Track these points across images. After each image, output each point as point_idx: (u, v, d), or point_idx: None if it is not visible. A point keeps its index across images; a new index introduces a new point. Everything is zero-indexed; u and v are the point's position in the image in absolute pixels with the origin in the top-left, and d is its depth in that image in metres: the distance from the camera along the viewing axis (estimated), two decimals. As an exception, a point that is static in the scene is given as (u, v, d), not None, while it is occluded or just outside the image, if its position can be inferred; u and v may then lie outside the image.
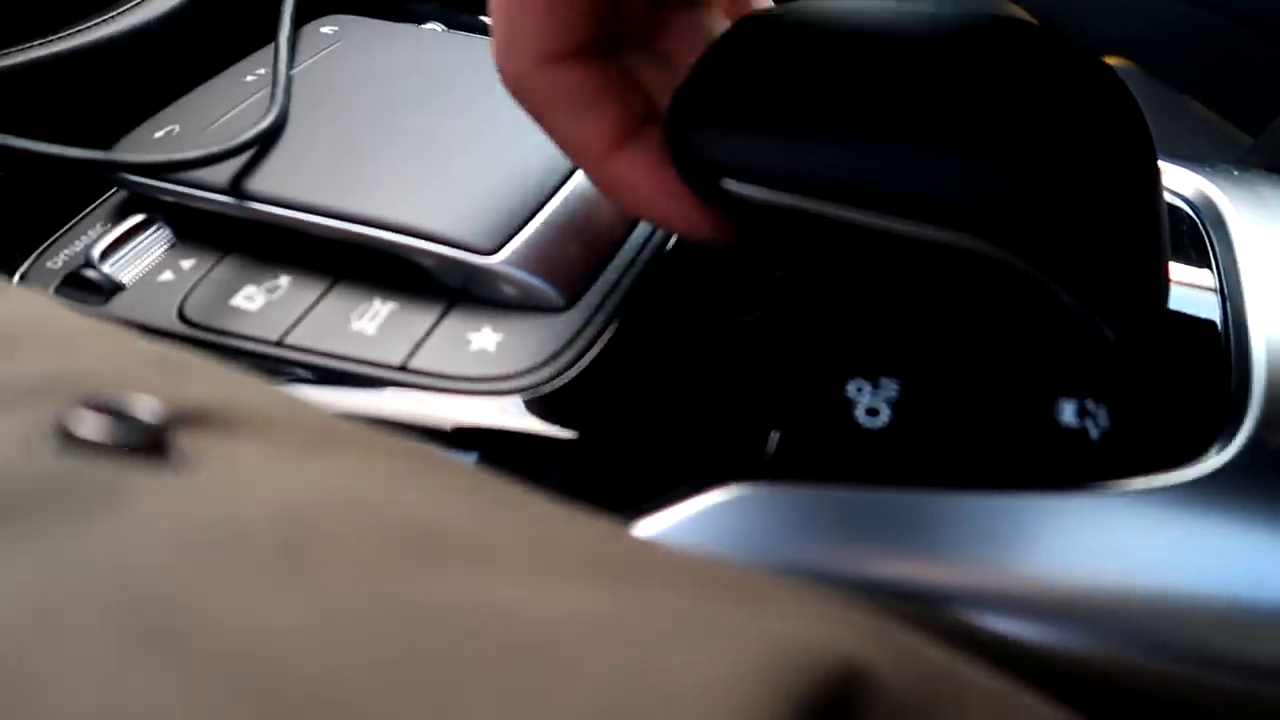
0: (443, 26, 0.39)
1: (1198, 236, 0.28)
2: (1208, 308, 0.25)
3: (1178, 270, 0.26)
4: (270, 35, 0.33)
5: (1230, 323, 0.24)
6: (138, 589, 0.10)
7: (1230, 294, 0.25)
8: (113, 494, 0.11)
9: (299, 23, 0.35)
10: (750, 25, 0.24)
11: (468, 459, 0.23)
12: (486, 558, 0.12)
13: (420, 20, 0.40)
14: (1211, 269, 0.27)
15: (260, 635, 0.10)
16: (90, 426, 0.12)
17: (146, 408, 0.13)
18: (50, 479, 0.11)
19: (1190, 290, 0.25)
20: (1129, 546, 0.20)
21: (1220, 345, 0.24)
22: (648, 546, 0.15)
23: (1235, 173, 0.30)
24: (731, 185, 0.22)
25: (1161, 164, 0.31)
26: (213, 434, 0.14)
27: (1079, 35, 0.91)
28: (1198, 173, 0.30)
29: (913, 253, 0.21)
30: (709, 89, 0.23)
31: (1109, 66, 0.23)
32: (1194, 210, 0.29)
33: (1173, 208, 0.29)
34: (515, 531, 0.14)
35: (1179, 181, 0.30)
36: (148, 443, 0.12)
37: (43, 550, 0.10)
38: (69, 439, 0.12)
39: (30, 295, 0.19)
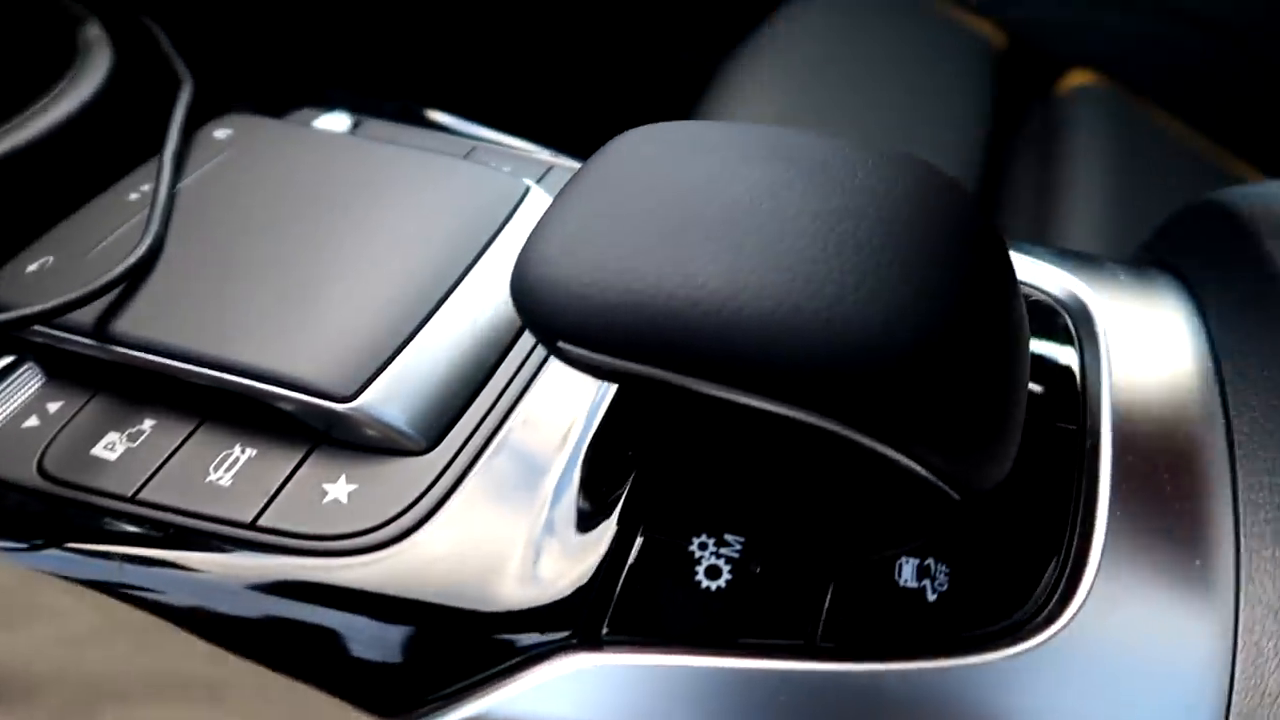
0: (351, 117, 0.39)
1: (1068, 341, 0.28)
2: (1060, 453, 0.25)
3: (1038, 399, 0.26)
4: (161, 142, 0.33)
5: (1083, 469, 0.24)
6: None
7: (1090, 430, 0.25)
8: None
9: (197, 120, 0.35)
10: (615, 156, 0.25)
11: (316, 636, 0.23)
12: None
13: (330, 105, 0.40)
14: (1075, 391, 0.26)
15: None
16: None
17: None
18: None
19: (1047, 430, 0.25)
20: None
21: (1066, 501, 0.23)
22: None
23: (1120, 275, 0.30)
24: (567, 348, 0.22)
25: (1050, 267, 0.31)
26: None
27: (1053, 50, 0.91)
28: (1078, 274, 0.30)
29: (757, 420, 0.21)
30: (552, 240, 0.23)
31: (981, 220, 0.23)
32: (1069, 315, 0.29)
33: (1049, 310, 0.29)
34: None
35: (1059, 283, 0.30)
36: None
37: None
38: None
39: None
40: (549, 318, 0.22)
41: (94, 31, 0.38)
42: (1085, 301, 0.28)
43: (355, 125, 0.39)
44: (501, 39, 0.89)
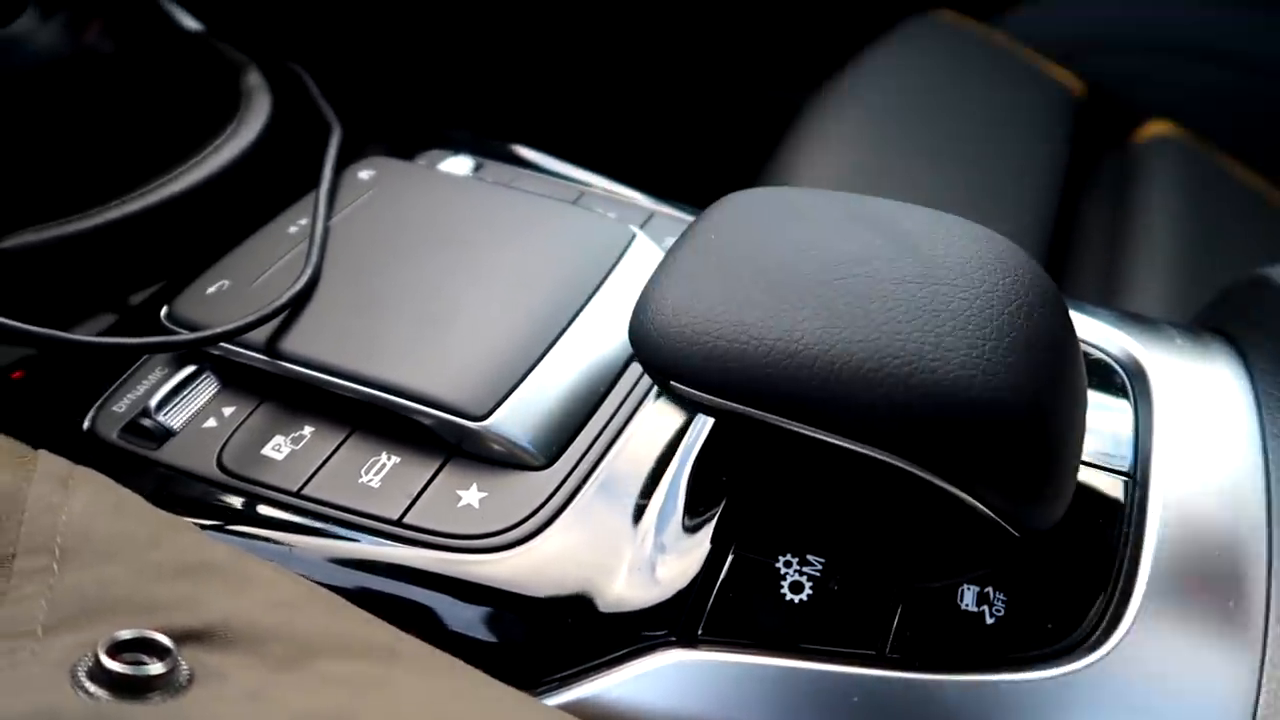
0: (473, 160, 0.43)
1: (1124, 397, 0.31)
2: (1112, 497, 0.27)
3: (1094, 443, 0.29)
4: (313, 178, 0.38)
5: (1131, 513, 0.27)
6: None
7: (1140, 479, 0.28)
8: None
9: (340, 163, 0.39)
10: (723, 218, 0.28)
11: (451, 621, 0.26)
12: None
13: (454, 147, 0.45)
14: (1129, 443, 0.29)
15: None
16: (118, 666, 0.16)
17: (161, 640, 0.17)
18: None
19: (1101, 475, 0.28)
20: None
21: (1116, 541, 0.26)
22: None
23: (1176, 338, 0.33)
24: (679, 388, 0.25)
25: (1110, 328, 0.33)
26: (216, 650, 0.18)
27: (1129, 101, 0.93)
28: (1136, 336, 0.33)
29: (842, 457, 0.25)
30: (667, 292, 0.26)
31: (1049, 289, 0.26)
32: (1125, 372, 0.32)
33: (1108, 369, 0.32)
34: None
35: (1118, 343, 0.33)
36: (158, 677, 0.16)
37: None
38: (98, 674, 0.16)
39: (94, 491, 0.23)
40: (664, 362, 0.26)
41: (254, 78, 0.43)
42: (1141, 361, 0.31)
43: (477, 167, 0.43)
44: (591, 78, 0.94)
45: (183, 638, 0.17)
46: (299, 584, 0.22)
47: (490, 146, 0.46)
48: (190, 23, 0.53)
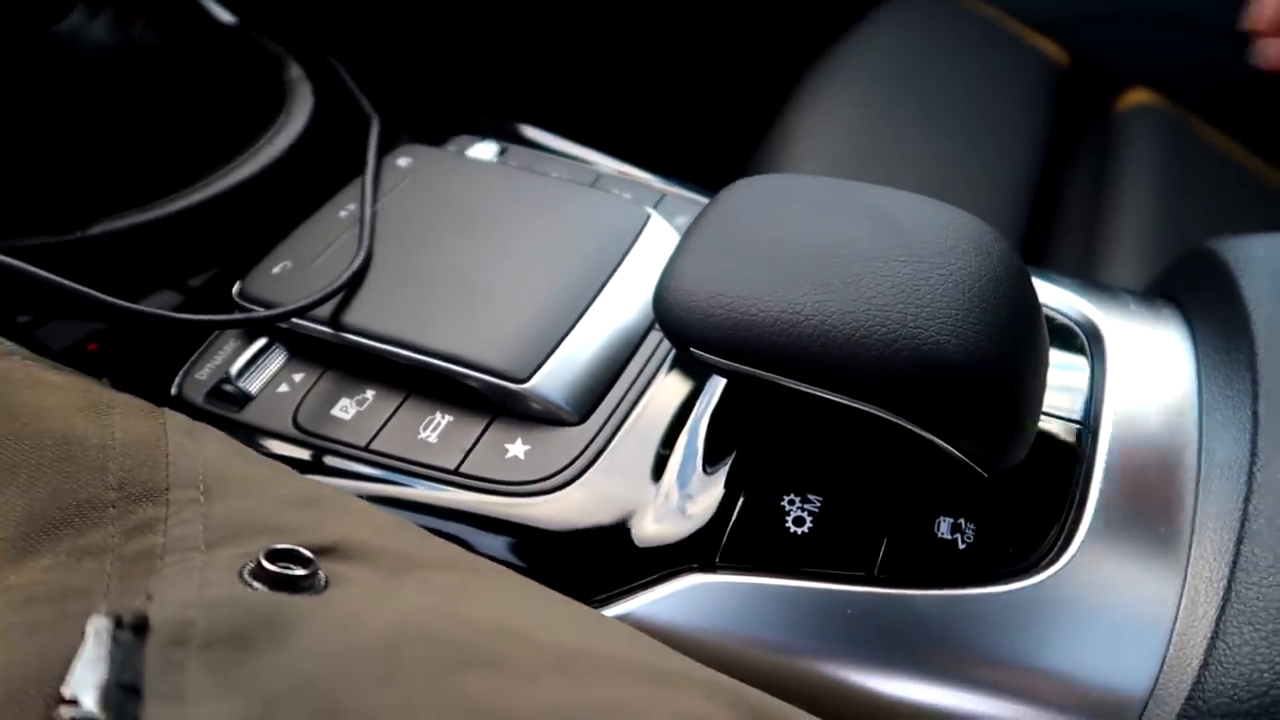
0: (497, 144, 0.47)
1: (1082, 355, 0.35)
2: (1068, 442, 0.32)
3: (1053, 397, 0.33)
4: (352, 165, 0.42)
5: (1083, 456, 0.31)
6: (316, 690, 0.18)
7: (1091, 427, 0.32)
8: (291, 619, 0.19)
9: (379, 153, 0.43)
10: (732, 203, 0.32)
11: (504, 554, 0.31)
12: (532, 660, 0.20)
13: (479, 132, 0.49)
14: (1084, 395, 0.34)
15: (380, 714, 0.18)
16: (275, 567, 0.21)
17: (304, 552, 0.21)
18: (257, 608, 0.20)
19: (1059, 423, 0.33)
20: (976, 635, 0.28)
21: (1068, 480, 0.31)
22: (640, 643, 0.24)
23: (1130, 303, 0.37)
24: (697, 353, 0.30)
25: (1072, 294, 0.38)
26: (341, 562, 0.22)
27: (1111, 70, 0.96)
28: (1094, 302, 0.37)
29: (837, 411, 0.29)
30: (685, 269, 0.31)
31: (1015, 265, 0.30)
32: (1084, 334, 0.36)
33: (1069, 330, 0.36)
34: (559, 637, 0.22)
35: (1078, 308, 0.37)
36: (304, 577, 0.21)
37: (256, 669, 0.18)
38: (262, 574, 0.21)
39: (217, 440, 0.27)
40: (685, 330, 0.30)
41: (295, 71, 0.46)
42: (1098, 324, 0.36)
43: (501, 152, 0.47)
44: (593, 56, 0.97)
45: (316, 551, 0.22)
46: (387, 515, 0.27)
47: (510, 130, 0.50)
48: (225, 15, 0.56)
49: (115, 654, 0.17)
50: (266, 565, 0.21)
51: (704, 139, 0.96)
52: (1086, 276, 0.75)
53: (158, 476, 0.24)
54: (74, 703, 0.16)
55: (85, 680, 0.16)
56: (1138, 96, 0.93)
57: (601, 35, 0.98)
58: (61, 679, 0.17)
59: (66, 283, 0.31)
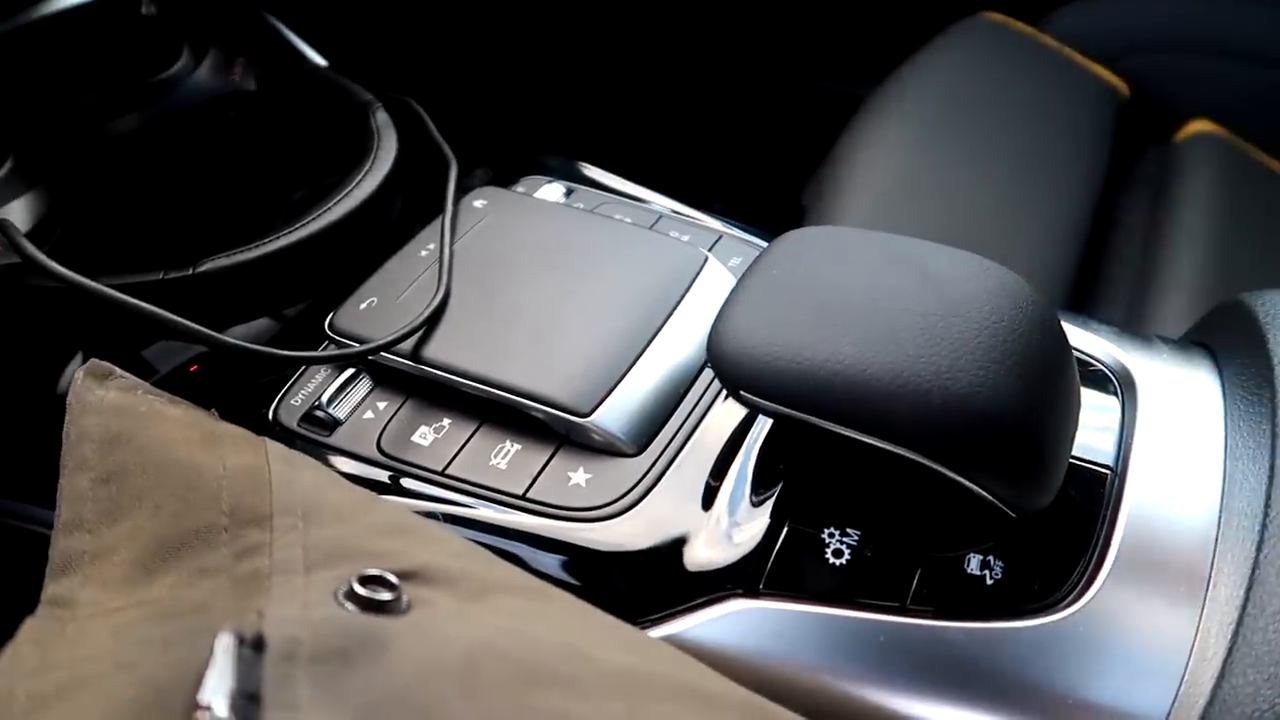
0: (564, 185, 0.50)
1: (1114, 401, 0.37)
2: (1095, 486, 0.34)
3: (1084, 441, 0.35)
4: (429, 205, 0.45)
5: (1109, 499, 0.33)
6: (407, 703, 0.21)
7: (1119, 471, 0.34)
8: (382, 638, 0.22)
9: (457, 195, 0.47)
10: (783, 254, 0.35)
11: (564, 574, 0.34)
12: (594, 680, 0.23)
13: (549, 172, 0.52)
14: (1114, 440, 0.36)
15: None
16: (365, 591, 0.24)
17: (390, 578, 0.25)
18: (354, 628, 0.23)
19: (1088, 467, 0.35)
20: (1000, 665, 0.30)
21: (1093, 522, 0.33)
22: (685, 666, 0.26)
23: (1164, 352, 0.39)
24: (746, 396, 0.32)
25: (1106, 341, 0.40)
26: (423, 586, 0.25)
27: (1171, 101, 0.96)
28: (1128, 350, 0.39)
29: (875, 453, 0.31)
30: (738, 317, 0.33)
31: (1050, 316, 0.32)
32: (1116, 380, 0.38)
33: (1102, 376, 0.38)
34: (617, 659, 0.24)
35: (1112, 354, 0.39)
36: (391, 601, 0.24)
37: (357, 683, 0.21)
38: (354, 597, 0.24)
39: (314, 469, 0.31)
40: (736, 374, 0.33)
41: (382, 117, 0.50)
42: (1130, 371, 0.37)
43: (568, 193, 0.50)
44: (651, 94, 1.00)
45: (401, 576, 0.25)
46: (463, 541, 0.30)
47: (574, 170, 0.53)
48: (317, 58, 0.61)
49: (239, 667, 0.20)
50: (358, 589, 0.24)
51: (762, 166, 0.98)
52: (1139, 311, 0.75)
53: (263, 504, 0.27)
54: (208, 709, 0.19)
55: (217, 689, 0.20)
56: (1198, 127, 0.93)
57: (661, 75, 1.01)
58: (194, 686, 0.20)
59: (185, 322, 0.35)
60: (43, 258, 0.38)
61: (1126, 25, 1.00)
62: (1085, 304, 0.82)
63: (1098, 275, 0.84)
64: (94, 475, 0.28)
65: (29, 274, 0.39)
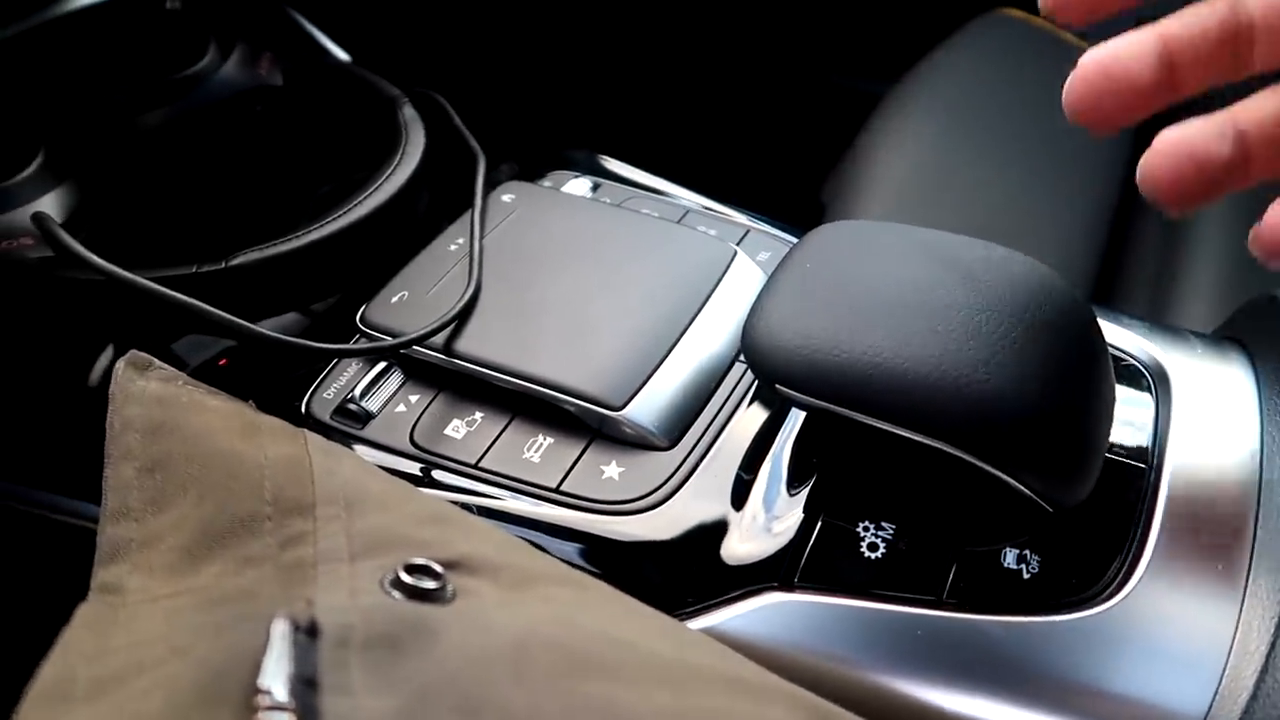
0: (591, 180, 0.50)
1: (1148, 396, 0.37)
2: (1131, 480, 0.34)
3: (1119, 435, 0.35)
4: (458, 199, 0.45)
5: (1145, 493, 0.33)
6: (458, 688, 0.21)
7: (1155, 466, 0.34)
8: (433, 626, 0.22)
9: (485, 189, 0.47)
10: (816, 248, 0.35)
11: (597, 567, 0.34)
12: (639, 669, 0.23)
13: (575, 167, 0.52)
14: (1149, 434, 0.35)
15: (511, 714, 0.21)
16: (411, 580, 0.24)
17: (435, 567, 0.25)
18: (404, 615, 0.23)
19: (1124, 461, 0.35)
20: (1037, 660, 0.30)
21: (1130, 516, 0.33)
22: (727, 657, 0.26)
23: (1198, 347, 0.39)
24: (782, 390, 0.33)
25: (1140, 337, 0.39)
26: (467, 575, 0.25)
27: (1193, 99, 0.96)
28: (1162, 344, 0.39)
29: (911, 446, 0.31)
30: (773, 311, 0.33)
31: (1085, 310, 0.32)
32: (1150, 375, 0.38)
33: (1136, 372, 0.38)
34: (659, 649, 0.24)
35: (1146, 350, 0.39)
36: (437, 589, 0.24)
37: (409, 669, 0.21)
38: (400, 585, 0.24)
39: (353, 460, 0.31)
40: (772, 368, 0.33)
41: (409, 111, 0.50)
42: (1164, 366, 0.37)
43: (595, 187, 0.50)
44: (672, 88, 1.00)
45: (445, 565, 0.25)
46: (502, 532, 0.30)
47: (599, 165, 0.54)
48: (341, 54, 0.61)
49: (296, 652, 0.20)
50: (404, 577, 0.24)
51: (782, 160, 0.98)
52: (1162, 306, 0.75)
53: (305, 493, 0.27)
54: (268, 693, 0.19)
55: (276, 673, 0.20)
56: (1220, 121, 0.92)
57: (682, 70, 1.01)
58: (249, 671, 0.20)
59: (225, 315, 0.36)
60: (82, 250, 0.38)
61: (1146, 20, 0.99)
62: (1108, 297, 0.81)
63: (1120, 268, 0.84)
64: (139, 464, 0.28)
65: (63, 267, 0.40)
